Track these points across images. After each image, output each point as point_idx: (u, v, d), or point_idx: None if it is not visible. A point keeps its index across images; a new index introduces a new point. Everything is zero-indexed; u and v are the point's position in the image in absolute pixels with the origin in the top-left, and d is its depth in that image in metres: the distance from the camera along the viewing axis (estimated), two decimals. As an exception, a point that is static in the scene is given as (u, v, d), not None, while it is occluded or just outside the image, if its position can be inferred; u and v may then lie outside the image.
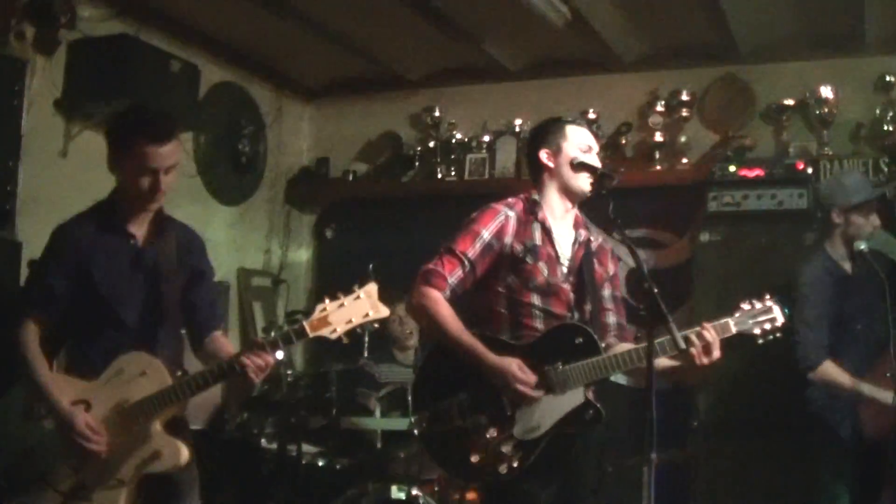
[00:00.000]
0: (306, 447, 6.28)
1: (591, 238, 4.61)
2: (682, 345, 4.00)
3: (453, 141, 8.62)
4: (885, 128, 7.39)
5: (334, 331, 4.10)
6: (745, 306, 4.32)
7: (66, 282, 4.32)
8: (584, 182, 4.44)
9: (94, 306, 4.34)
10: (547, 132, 4.63)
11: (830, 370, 5.53)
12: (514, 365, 4.18)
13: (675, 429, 6.82)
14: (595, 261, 4.58)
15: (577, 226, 4.60)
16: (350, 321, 4.11)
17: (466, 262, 4.35)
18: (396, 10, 7.22)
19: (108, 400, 4.22)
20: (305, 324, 4.11)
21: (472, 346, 4.25)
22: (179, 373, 4.33)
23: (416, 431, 4.37)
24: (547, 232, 4.48)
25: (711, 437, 6.94)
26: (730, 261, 7.08)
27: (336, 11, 7.40)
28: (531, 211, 4.50)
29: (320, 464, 6.35)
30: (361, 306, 4.13)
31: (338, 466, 6.38)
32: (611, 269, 4.65)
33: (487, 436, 4.20)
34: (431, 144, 8.71)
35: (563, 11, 7.06)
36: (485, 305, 4.45)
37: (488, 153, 8.53)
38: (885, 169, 7.09)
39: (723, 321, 4.25)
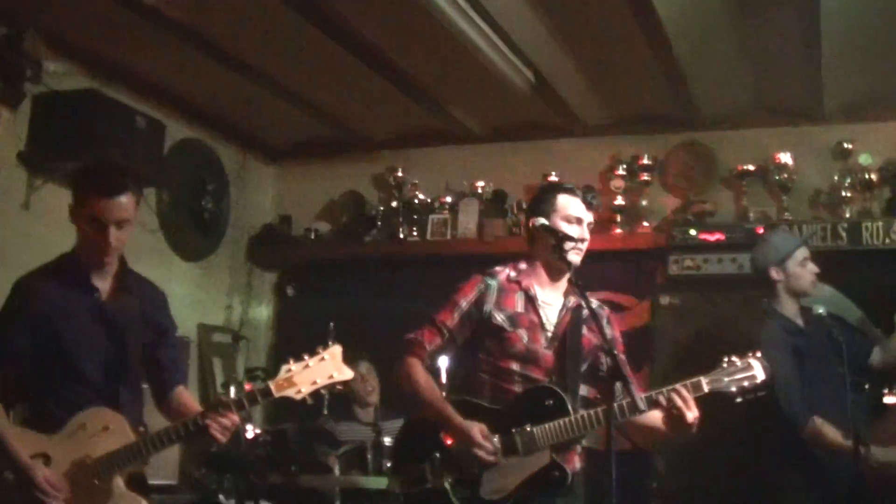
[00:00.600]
0: (264, 504, 6.25)
1: (583, 304, 4.49)
2: (643, 406, 4.02)
3: (416, 202, 8.65)
4: (843, 193, 7.48)
5: (299, 391, 4.16)
6: (724, 364, 4.28)
7: (27, 336, 4.25)
8: (561, 252, 4.41)
9: (57, 360, 4.26)
10: (539, 200, 4.66)
11: (820, 427, 5.51)
12: (474, 429, 4.27)
13: (634, 491, 6.82)
14: (584, 327, 4.55)
15: (566, 293, 4.61)
16: (315, 382, 4.17)
17: (445, 332, 4.52)
18: (361, 73, 7.27)
19: (69, 455, 4.14)
20: (271, 384, 4.15)
21: (441, 410, 4.40)
22: (142, 429, 4.30)
23: (396, 491, 4.52)
24: (531, 300, 4.54)
25: (671, 501, 6.92)
26: (689, 324, 7.13)
27: (301, 74, 7.46)
28: (515, 279, 4.57)
29: (279, 522, 6.30)
30: (326, 368, 4.19)
31: (296, 525, 6.33)
32: (608, 333, 4.45)
33: (457, 495, 4.28)
34: (394, 204, 8.73)
35: (527, 75, 7.15)
36: (469, 371, 4.59)
37: (450, 214, 8.56)
38: (844, 234, 7.16)
39: (695, 380, 4.22)
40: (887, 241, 7.13)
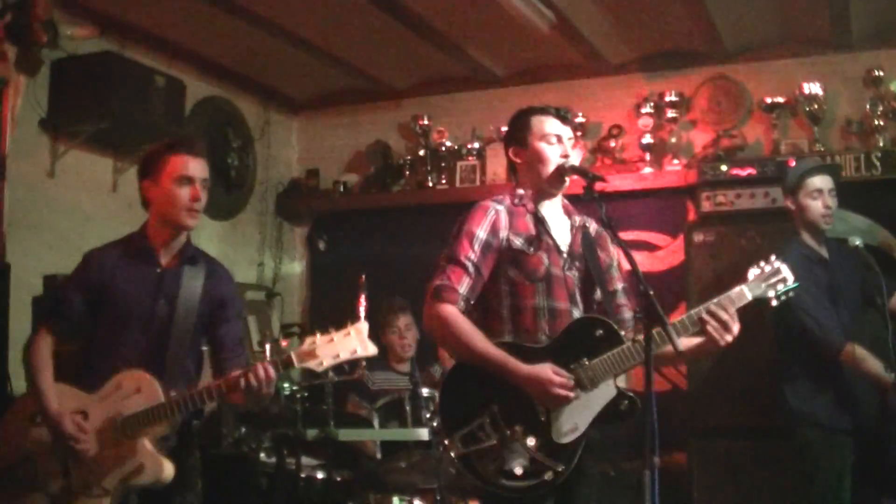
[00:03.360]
0: (305, 460, 6.23)
1: (587, 223, 4.51)
2: (680, 347, 3.90)
3: (443, 149, 8.60)
4: (876, 122, 7.37)
5: (321, 364, 4.22)
6: (755, 271, 4.26)
7: (85, 299, 4.51)
8: (549, 171, 4.36)
9: (110, 324, 4.49)
10: (513, 128, 4.57)
11: (859, 353, 5.43)
12: (548, 370, 4.08)
13: (673, 431, 6.80)
14: (597, 247, 4.49)
15: (568, 213, 4.52)
16: (337, 356, 4.22)
17: (471, 267, 4.23)
18: (380, 22, 7.21)
19: (103, 412, 4.34)
20: (293, 354, 4.24)
21: (501, 358, 4.12)
22: (173, 393, 4.35)
23: (452, 455, 4.13)
24: (541, 221, 4.38)
25: (711, 437, 6.91)
26: (724, 260, 7.06)
27: (319, 25, 7.40)
28: (520, 203, 4.41)
29: (319, 476, 6.29)
30: (350, 343, 4.22)
31: (337, 479, 6.32)
32: (614, 255, 4.52)
33: (528, 444, 4.08)
34: (421, 153, 8.69)
35: (548, 15, 7.05)
36: (487, 308, 4.34)
37: (479, 160, 8.51)
38: (878, 163, 7.06)
39: (737, 290, 4.19)
40: (922, 168, 7.03)
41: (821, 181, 5.73)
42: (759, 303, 4.25)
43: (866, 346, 5.36)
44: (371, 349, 4.24)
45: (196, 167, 4.49)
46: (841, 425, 5.49)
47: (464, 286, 4.21)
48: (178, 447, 4.48)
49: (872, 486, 5.45)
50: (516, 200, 4.42)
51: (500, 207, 4.36)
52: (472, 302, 4.26)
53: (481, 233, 4.27)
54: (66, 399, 4.38)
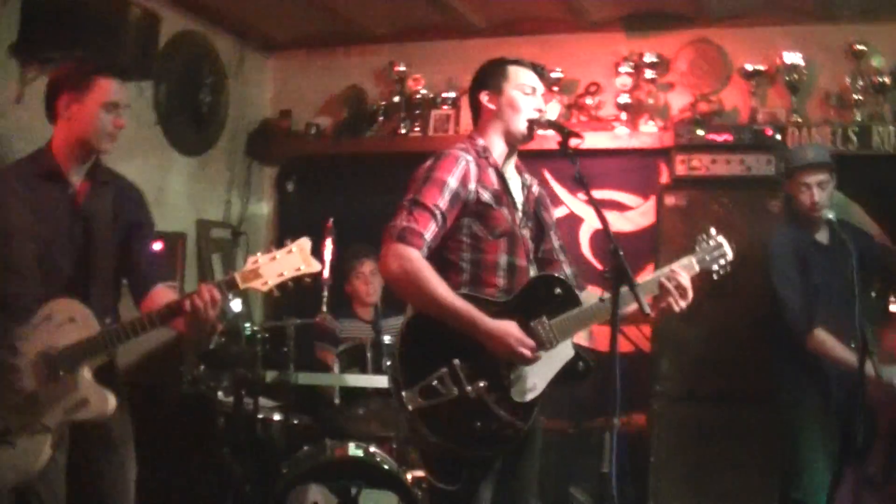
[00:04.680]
0: (263, 401, 6.22)
1: (533, 183, 4.50)
2: (647, 309, 3.86)
3: (418, 97, 8.54)
4: (855, 96, 7.36)
5: (265, 283, 4.14)
6: (700, 243, 4.30)
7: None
8: (523, 125, 4.31)
9: (27, 252, 4.31)
10: (488, 73, 4.47)
11: (823, 339, 5.52)
12: (513, 328, 4.02)
13: (637, 393, 6.83)
14: (542, 207, 4.48)
15: (520, 170, 4.49)
16: (282, 274, 4.14)
17: (439, 215, 4.08)
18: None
19: (34, 345, 4.20)
20: (237, 275, 4.16)
21: (466, 311, 4.02)
22: (108, 320, 4.32)
23: (409, 407, 4.02)
24: (500, 176, 4.32)
25: (674, 401, 6.93)
26: (695, 225, 7.00)
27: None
28: (483, 155, 4.32)
29: (277, 418, 6.29)
30: (293, 260, 4.15)
31: (295, 422, 6.32)
32: (554, 214, 4.57)
33: (488, 401, 4.03)
34: (396, 100, 8.62)
35: (532, -34, 6.99)
36: (444, 260, 4.21)
37: (453, 109, 8.45)
38: (854, 137, 7.05)
39: (685, 261, 4.23)
40: (898, 145, 7.05)
41: (810, 177, 5.76)
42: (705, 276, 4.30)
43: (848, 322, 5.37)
44: (315, 265, 4.17)
45: (123, 93, 4.43)
46: (812, 401, 5.57)
47: (429, 232, 4.08)
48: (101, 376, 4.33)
49: (842, 456, 5.50)
50: (480, 151, 4.33)
51: (469, 158, 4.25)
52: (432, 249, 4.13)
53: (452, 181, 4.15)
54: None
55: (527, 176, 4.48)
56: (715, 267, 4.28)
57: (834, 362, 5.52)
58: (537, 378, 4.10)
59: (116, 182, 4.59)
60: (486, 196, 4.21)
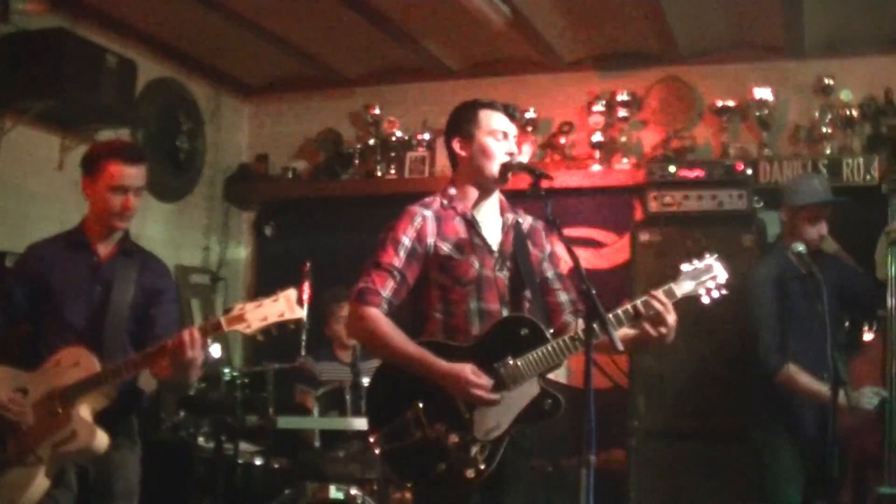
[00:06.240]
0: (243, 446, 6.25)
1: (520, 220, 4.49)
2: (620, 347, 3.88)
3: (393, 139, 8.59)
4: (824, 130, 7.46)
5: (249, 326, 4.33)
6: (687, 267, 4.27)
7: (25, 291, 4.72)
8: (496, 170, 4.33)
9: (51, 311, 4.67)
10: (459, 119, 4.51)
11: (793, 373, 5.54)
12: (467, 369, 4.08)
13: (614, 429, 6.84)
14: (529, 243, 4.47)
15: (503, 211, 4.50)
16: (265, 318, 4.34)
17: (396, 273, 4.23)
18: (335, 10, 7.21)
19: (42, 387, 4.48)
20: (222, 319, 4.35)
21: (420, 356, 4.14)
22: (110, 365, 4.48)
23: (376, 451, 4.19)
24: (470, 223, 4.36)
25: (651, 438, 6.95)
26: (669, 261, 7.07)
27: (271, 10, 7.37)
28: (449, 206, 4.38)
29: (257, 463, 6.31)
30: (278, 307, 4.36)
31: (275, 466, 6.33)
32: (547, 247, 4.53)
33: (449, 442, 4.08)
34: (371, 142, 8.68)
35: (504, 11, 7.05)
36: (419, 313, 4.35)
37: (428, 151, 8.50)
38: (824, 170, 7.13)
39: (666, 287, 4.20)
40: (867, 177, 7.12)
41: (822, 210, 5.83)
42: (691, 300, 4.25)
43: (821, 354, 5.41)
44: (298, 312, 4.35)
45: (131, 176, 4.69)
46: (785, 432, 5.59)
47: (387, 290, 4.22)
48: (118, 431, 4.61)
49: (815, 491, 5.51)
50: (445, 202, 4.40)
51: (428, 213, 4.33)
52: (394, 304, 4.25)
53: (406, 240, 4.27)
54: (6, 380, 4.52)
55: (510, 215, 4.48)
56: (702, 291, 4.25)
57: (805, 395, 5.54)
58: (500, 417, 4.13)
59: (143, 255, 4.93)
60: (445, 248, 4.29)
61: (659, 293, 4.15)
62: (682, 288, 4.23)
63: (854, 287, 5.95)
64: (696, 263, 4.29)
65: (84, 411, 4.44)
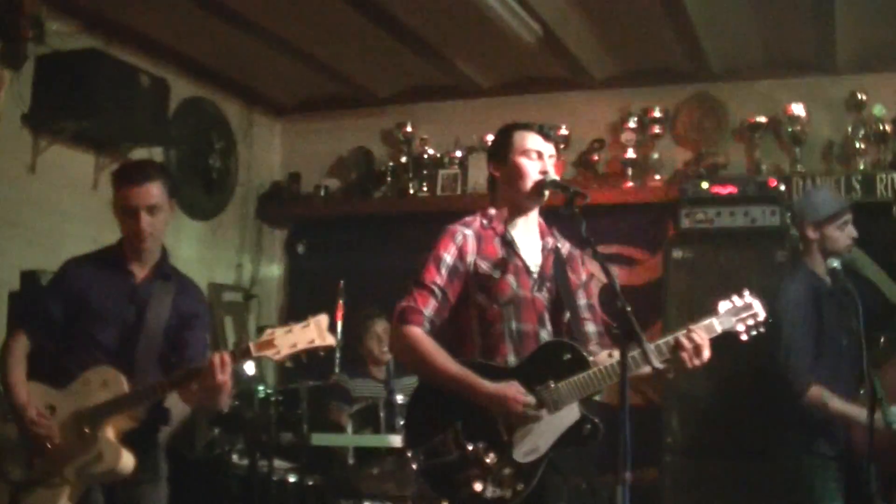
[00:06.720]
0: (278, 463, 6.25)
1: (560, 245, 4.51)
2: (657, 364, 3.92)
3: (425, 157, 8.62)
4: (857, 145, 7.43)
5: (278, 352, 4.30)
6: (727, 304, 4.28)
7: (61, 307, 4.67)
8: (528, 189, 4.36)
9: (84, 329, 4.64)
10: (496, 143, 4.57)
11: (820, 394, 5.49)
12: (512, 389, 4.08)
13: (648, 447, 6.82)
14: (568, 268, 4.48)
15: (542, 234, 4.51)
16: (295, 345, 4.29)
17: (438, 291, 4.24)
18: (366, 30, 7.23)
19: (70, 406, 4.47)
20: (251, 344, 4.34)
21: (464, 377, 4.13)
22: (138, 387, 4.48)
23: (414, 467, 4.18)
24: (509, 244, 4.38)
25: (684, 455, 6.92)
26: (701, 278, 7.07)
27: (304, 30, 7.40)
28: (489, 226, 4.41)
29: (291, 480, 6.31)
30: (308, 333, 4.31)
31: (309, 483, 6.33)
32: (583, 276, 4.54)
33: (488, 462, 4.08)
34: (403, 160, 8.70)
35: (535, 29, 7.07)
36: (458, 333, 4.35)
37: (461, 169, 8.52)
38: (857, 187, 7.10)
39: (706, 322, 4.20)
40: (901, 193, 7.09)
41: (846, 215, 5.78)
42: (730, 337, 4.26)
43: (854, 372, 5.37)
44: (329, 339, 4.31)
45: (137, 196, 4.62)
46: (824, 450, 5.54)
47: (429, 308, 4.23)
48: (146, 451, 4.61)
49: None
50: (485, 222, 4.42)
51: (469, 232, 4.36)
52: (437, 323, 4.26)
53: (448, 257, 4.29)
54: (36, 396, 4.51)
55: (550, 240, 4.50)
56: (741, 328, 4.27)
57: (834, 416, 5.49)
58: (539, 440, 4.13)
59: (179, 278, 4.89)
60: (484, 267, 4.31)
61: (699, 328, 4.16)
62: (723, 324, 4.24)
63: (866, 302, 5.91)
64: (736, 301, 4.30)
65: (110, 432, 4.43)
